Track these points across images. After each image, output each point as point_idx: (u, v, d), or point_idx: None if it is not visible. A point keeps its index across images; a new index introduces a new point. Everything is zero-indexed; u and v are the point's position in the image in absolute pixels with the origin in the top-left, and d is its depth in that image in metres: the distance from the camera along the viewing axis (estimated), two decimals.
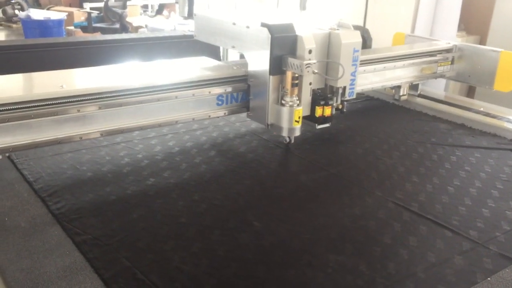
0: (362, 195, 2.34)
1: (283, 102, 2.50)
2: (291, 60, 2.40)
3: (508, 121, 3.30)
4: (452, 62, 3.66)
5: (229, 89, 2.62)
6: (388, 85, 3.49)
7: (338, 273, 1.77)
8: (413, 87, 3.73)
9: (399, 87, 3.58)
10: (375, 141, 2.97)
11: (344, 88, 2.68)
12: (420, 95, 3.77)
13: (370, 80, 3.25)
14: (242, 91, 2.67)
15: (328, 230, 2.04)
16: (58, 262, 1.75)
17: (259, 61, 2.52)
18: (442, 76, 3.71)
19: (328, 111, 2.66)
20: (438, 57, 3.57)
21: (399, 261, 1.85)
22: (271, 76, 2.46)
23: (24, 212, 2.05)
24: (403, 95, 3.62)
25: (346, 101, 2.75)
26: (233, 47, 2.67)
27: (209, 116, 2.62)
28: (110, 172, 2.42)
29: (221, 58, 4.49)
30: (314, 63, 2.38)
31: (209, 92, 2.55)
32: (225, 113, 2.67)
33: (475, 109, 3.53)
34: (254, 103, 2.65)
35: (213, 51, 4.01)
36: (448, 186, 2.44)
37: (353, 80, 2.70)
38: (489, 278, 1.76)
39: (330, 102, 2.67)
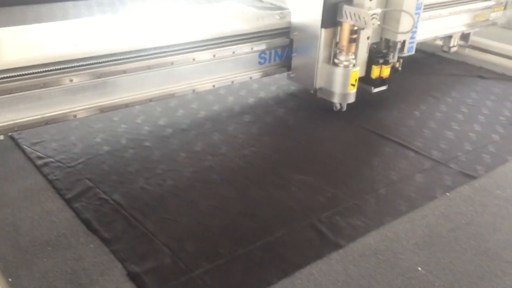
0: (332, 120, 2.34)
1: (336, 61, 2.10)
2: (349, 8, 1.95)
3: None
4: (505, 7, 3.23)
5: (274, 44, 2.14)
6: (440, 35, 2.97)
7: (301, 191, 1.79)
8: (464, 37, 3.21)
9: (449, 37, 3.06)
10: None
11: (404, 42, 2.28)
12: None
13: (422, 30, 2.64)
14: (287, 46, 2.21)
15: (293, 152, 2.05)
16: (19, 184, 1.73)
17: (306, 10, 2.06)
18: (493, 23, 3.28)
19: (386, 71, 2.26)
20: (492, 1, 3.11)
21: (362, 179, 1.88)
22: (323, 29, 2.03)
23: None
24: (453, 46, 3.13)
25: (402, 57, 2.36)
26: None
27: (250, 77, 2.19)
28: None
29: None
30: (380, 12, 1.95)
31: (252, 49, 2.12)
32: (264, 74, 2.23)
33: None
34: (298, 62, 2.20)
35: None
36: (415, 111, 2.46)
37: (414, 32, 2.27)
38: (447, 194, 1.81)
39: (390, 61, 2.27)
